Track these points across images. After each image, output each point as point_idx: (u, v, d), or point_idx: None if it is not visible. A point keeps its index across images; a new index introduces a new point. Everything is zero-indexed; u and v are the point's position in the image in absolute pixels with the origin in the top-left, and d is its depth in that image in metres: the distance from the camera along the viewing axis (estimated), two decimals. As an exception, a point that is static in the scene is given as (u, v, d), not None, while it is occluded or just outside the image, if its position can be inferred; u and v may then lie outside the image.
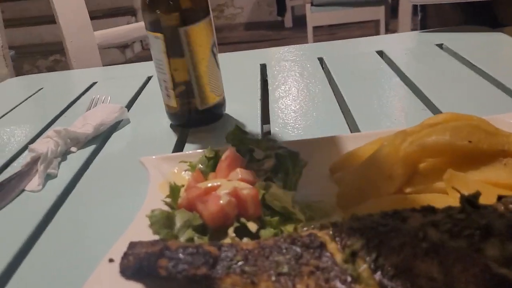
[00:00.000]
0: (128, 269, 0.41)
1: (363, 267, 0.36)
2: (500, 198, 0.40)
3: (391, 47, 1.13)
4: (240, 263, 0.39)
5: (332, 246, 0.39)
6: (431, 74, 0.95)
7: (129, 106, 0.96)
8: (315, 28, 4.11)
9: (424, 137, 0.52)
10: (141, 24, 2.16)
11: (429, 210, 0.40)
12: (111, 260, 0.42)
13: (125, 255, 0.42)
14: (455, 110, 0.63)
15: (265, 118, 0.85)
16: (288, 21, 5.94)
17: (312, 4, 3.90)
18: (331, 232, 0.40)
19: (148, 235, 0.46)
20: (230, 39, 5.67)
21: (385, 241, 0.37)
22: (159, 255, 0.41)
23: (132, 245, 0.43)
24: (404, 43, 1.22)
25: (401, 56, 1.07)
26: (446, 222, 0.38)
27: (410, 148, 0.51)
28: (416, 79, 0.92)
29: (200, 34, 0.70)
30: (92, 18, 1.70)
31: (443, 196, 0.47)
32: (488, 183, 0.49)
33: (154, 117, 0.88)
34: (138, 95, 1.03)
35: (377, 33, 4.11)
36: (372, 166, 0.52)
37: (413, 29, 3.98)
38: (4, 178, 0.68)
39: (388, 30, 4.11)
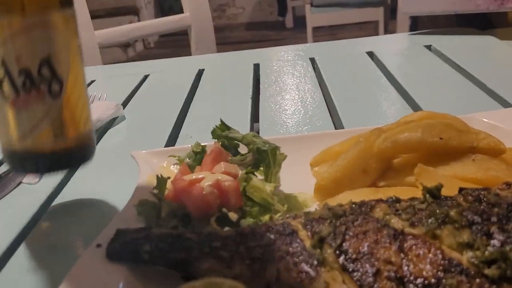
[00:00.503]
0: (114, 253, 0.44)
1: (328, 252, 0.39)
2: (461, 190, 0.43)
3: (381, 48, 1.16)
4: (217, 248, 0.42)
5: (303, 233, 0.42)
6: (417, 75, 0.99)
7: (125, 103, 0.99)
8: (316, 28, 4.14)
9: (398, 134, 0.54)
10: (142, 23, 2.20)
11: (395, 200, 0.43)
12: (98, 245, 0.45)
13: (112, 241, 0.45)
14: (437, 109, 0.66)
15: (257, 116, 0.88)
16: (289, 21, 5.98)
17: (312, 5, 3.93)
18: (303, 221, 0.43)
19: (135, 223, 0.49)
20: (231, 39, 5.70)
21: (351, 228, 0.40)
22: (142, 240, 0.44)
23: (118, 231, 0.46)
24: (394, 45, 1.25)
25: (390, 57, 1.10)
26: (408, 212, 0.41)
27: (383, 145, 0.54)
28: (403, 79, 0.95)
29: None
30: (95, 17, 1.73)
31: (412, 189, 0.50)
32: (457, 178, 0.52)
33: (149, 114, 0.91)
34: (135, 93, 1.06)
35: (376, 34, 4.14)
36: (348, 161, 0.54)
37: (412, 30, 4.01)
38: (3, 171, 0.71)
39: (387, 31, 4.13)
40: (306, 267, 0.38)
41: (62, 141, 0.52)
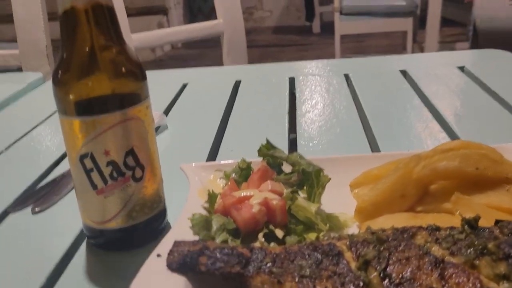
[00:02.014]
0: (173, 264, 0.48)
1: (373, 275, 0.42)
2: (497, 222, 0.46)
3: (414, 67, 1.19)
4: (268, 264, 0.46)
5: (348, 255, 0.46)
6: (450, 97, 1.01)
7: (166, 111, 1.04)
8: (344, 35, 4.16)
9: (436, 162, 0.58)
10: (176, 29, 2.25)
11: (434, 228, 0.47)
12: (158, 255, 0.49)
13: (171, 252, 0.49)
14: (469, 134, 0.69)
15: (292, 129, 0.92)
16: (316, 26, 6.00)
17: (341, 13, 3.95)
18: (348, 243, 0.47)
19: (189, 235, 0.53)
20: (258, 42, 5.75)
21: (394, 253, 0.44)
22: (199, 253, 0.48)
23: (176, 243, 0.50)
24: (426, 64, 1.27)
25: (423, 77, 1.12)
26: (448, 240, 0.44)
27: (422, 172, 0.57)
28: (436, 101, 0.97)
29: (69, 129, 0.54)
30: (125, 15, 1.77)
31: (449, 216, 0.53)
32: (491, 207, 0.55)
33: (190, 124, 0.95)
34: (175, 102, 1.10)
35: (404, 43, 4.14)
36: (388, 186, 0.58)
37: (440, 42, 4.01)
38: (58, 175, 0.76)
39: (415, 41, 4.14)
40: (352, 287, 0.42)
41: (143, 217, 0.57)
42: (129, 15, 1.78)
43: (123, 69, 0.53)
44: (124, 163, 0.54)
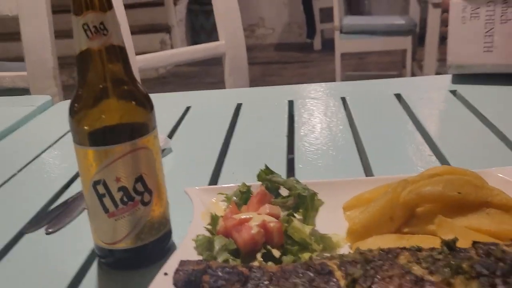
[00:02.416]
0: (180, 282, 0.52)
1: (360, 292, 0.47)
2: (474, 243, 0.51)
3: (408, 91, 1.24)
4: (266, 282, 0.51)
5: (338, 274, 0.50)
6: (441, 121, 1.06)
7: (170, 134, 1.09)
8: (345, 53, 4.22)
9: (421, 187, 0.62)
10: (179, 50, 2.31)
11: (416, 249, 0.51)
12: (165, 274, 0.54)
13: (177, 271, 0.53)
14: (458, 159, 0.74)
15: (290, 151, 0.97)
16: (317, 43, 6.08)
17: (341, 32, 4.02)
18: (338, 262, 0.51)
19: (193, 255, 0.57)
20: (260, 59, 5.83)
21: (379, 272, 0.48)
22: (203, 272, 0.52)
23: (182, 262, 0.54)
24: (420, 87, 1.32)
25: (416, 101, 1.17)
26: (428, 260, 0.49)
27: (408, 196, 0.62)
28: (428, 125, 1.02)
29: (83, 158, 0.59)
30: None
31: (432, 238, 0.58)
32: (472, 229, 0.59)
33: (193, 147, 1.00)
34: (179, 125, 1.15)
35: (403, 60, 4.21)
36: (377, 209, 0.63)
37: (439, 59, 4.07)
38: (69, 197, 0.80)
39: (414, 60, 4.20)
40: (341, 304, 0.47)
41: (150, 238, 0.62)
42: (132, 33, 1.83)
43: (133, 103, 0.58)
44: (133, 189, 0.59)
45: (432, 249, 0.51)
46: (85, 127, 0.57)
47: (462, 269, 0.46)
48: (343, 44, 4.07)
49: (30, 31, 1.88)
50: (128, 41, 1.81)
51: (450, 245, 0.50)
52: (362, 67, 5.11)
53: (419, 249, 0.51)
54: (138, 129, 0.59)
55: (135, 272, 0.62)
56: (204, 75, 5.02)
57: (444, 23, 1.27)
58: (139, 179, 0.59)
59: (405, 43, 3.99)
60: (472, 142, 0.94)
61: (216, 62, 2.09)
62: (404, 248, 0.52)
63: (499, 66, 1.20)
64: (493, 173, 0.70)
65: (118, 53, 0.57)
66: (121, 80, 0.58)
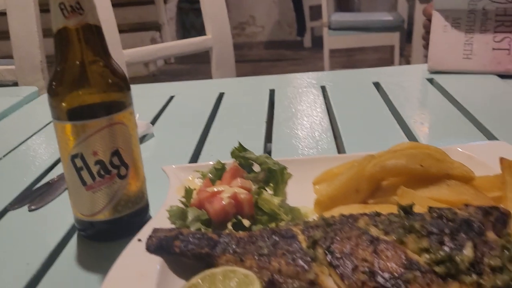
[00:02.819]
0: (152, 247, 0.55)
1: (320, 252, 0.50)
2: (429, 208, 0.54)
3: (387, 79, 1.28)
4: (233, 246, 0.54)
5: (301, 237, 0.53)
6: (416, 106, 1.09)
7: (153, 121, 1.12)
8: (334, 50, 4.26)
9: (385, 160, 0.65)
10: (167, 44, 2.34)
11: (375, 214, 0.54)
12: (139, 240, 0.57)
13: (150, 237, 0.56)
14: (428, 139, 0.77)
15: (270, 139, 1.00)
16: (307, 41, 6.12)
17: (329, 28, 4.06)
18: (302, 227, 0.55)
19: (167, 224, 0.60)
20: (250, 57, 5.86)
21: (338, 234, 0.51)
22: (175, 238, 0.55)
23: (155, 230, 0.57)
24: (398, 76, 1.36)
25: (394, 88, 1.21)
26: (385, 223, 0.52)
27: (373, 169, 0.65)
28: (402, 110, 1.06)
29: (61, 132, 0.61)
30: (119, 32, 1.85)
31: (394, 207, 0.61)
32: (433, 199, 0.63)
33: (175, 132, 1.03)
34: (162, 112, 1.18)
35: (391, 57, 4.25)
36: (343, 182, 0.66)
37: (426, 55, 4.11)
38: (52, 178, 0.83)
39: (402, 56, 4.24)
40: (301, 262, 0.50)
41: (128, 211, 0.65)
42: (122, 31, 1.85)
43: (109, 80, 0.61)
44: (110, 163, 0.62)
45: (390, 213, 0.54)
46: (63, 103, 0.60)
47: (414, 229, 0.49)
48: (332, 40, 4.11)
49: (18, 25, 1.90)
50: (115, 37, 1.84)
51: (406, 210, 0.53)
52: (351, 64, 5.15)
53: (378, 214, 0.54)
54: (114, 105, 0.62)
55: (113, 243, 0.65)
56: (194, 73, 5.04)
57: (427, 29, 1.31)
58: (116, 153, 0.62)
59: (393, 39, 4.04)
60: (444, 125, 0.97)
61: (206, 60, 2.12)
62: (364, 214, 0.55)
63: (477, 73, 1.24)
64: (456, 149, 0.73)
65: (94, 32, 0.60)
66: (97, 58, 0.60)
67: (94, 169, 0.61)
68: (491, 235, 0.48)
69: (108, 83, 0.61)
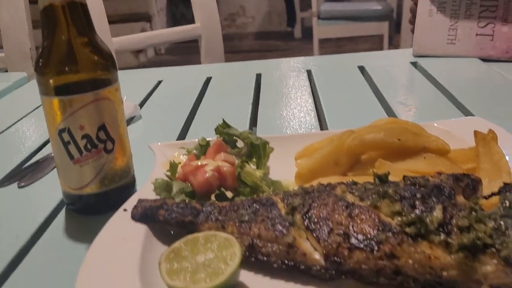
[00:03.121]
0: (137, 215, 0.57)
1: (298, 217, 0.52)
2: (404, 177, 0.56)
3: (371, 63, 1.30)
4: (216, 214, 0.56)
5: (281, 205, 0.55)
6: (399, 88, 1.12)
7: (141, 104, 1.13)
8: (324, 40, 4.28)
9: (364, 134, 0.68)
10: (156, 32, 2.35)
11: (352, 183, 0.57)
12: (125, 210, 0.59)
13: (135, 206, 0.58)
14: (409, 117, 0.79)
15: (255, 120, 1.02)
16: (297, 32, 6.12)
17: (319, 18, 4.07)
18: (281, 196, 0.57)
19: (152, 196, 0.62)
20: (240, 48, 5.85)
21: (316, 201, 0.53)
22: (159, 207, 0.57)
23: (140, 200, 0.59)
24: (384, 60, 1.38)
25: (378, 72, 1.23)
26: (360, 190, 0.54)
27: (352, 143, 0.67)
28: (386, 91, 1.08)
29: (49, 107, 0.63)
30: (109, 22, 1.86)
31: (371, 178, 0.63)
32: (410, 171, 0.65)
33: (162, 114, 1.05)
34: (150, 96, 1.20)
35: (381, 47, 4.28)
36: (323, 155, 0.68)
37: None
38: (42, 157, 0.85)
39: (391, 45, 4.27)
40: (280, 227, 0.52)
41: (114, 185, 0.66)
42: (113, 22, 1.86)
43: (95, 56, 0.63)
44: (96, 137, 0.63)
45: (367, 182, 0.56)
46: (50, 78, 0.61)
47: (388, 194, 0.51)
48: (321, 30, 4.13)
49: (8, 14, 1.90)
50: (104, 25, 1.84)
51: (381, 178, 0.56)
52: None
53: (355, 183, 0.57)
54: (100, 81, 0.63)
55: (100, 216, 0.66)
56: (184, 63, 5.02)
57: (413, 13, 1.33)
58: (102, 127, 0.63)
59: (382, 28, 4.07)
60: (425, 105, 0.99)
61: (196, 51, 2.12)
62: (341, 182, 0.57)
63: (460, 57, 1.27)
64: (432, 125, 0.76)
65: (80, 9, 0.61)
66: (83, 35, 0.62)
67: (81, 143, 0.63)
68: (460, 199, 0.51)
69: (94, 59, 0.63)
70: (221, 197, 0.63)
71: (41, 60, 0.62)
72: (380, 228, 0.48)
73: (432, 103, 1.00)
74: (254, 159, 0.70)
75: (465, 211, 0.48)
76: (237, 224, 0.54)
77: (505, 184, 0.51)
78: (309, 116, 0.98)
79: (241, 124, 0.94)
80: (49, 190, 0.75)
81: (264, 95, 1.14)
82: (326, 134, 0.76)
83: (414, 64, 1.27)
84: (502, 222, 0.45)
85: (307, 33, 5.55)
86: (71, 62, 0.62)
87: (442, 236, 0.46)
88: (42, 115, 0.64)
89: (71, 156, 0.64)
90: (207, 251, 0.49)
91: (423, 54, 1.30)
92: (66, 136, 0.63)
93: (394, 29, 4.36)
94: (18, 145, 0.96)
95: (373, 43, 4.98)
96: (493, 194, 0.51)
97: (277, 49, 5.79)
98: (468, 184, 0.53)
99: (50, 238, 0.64)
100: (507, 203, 0.47)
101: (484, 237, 0.44)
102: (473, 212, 0.48)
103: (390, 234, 0.47)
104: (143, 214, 0.57)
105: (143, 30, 5.56)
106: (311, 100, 1.07)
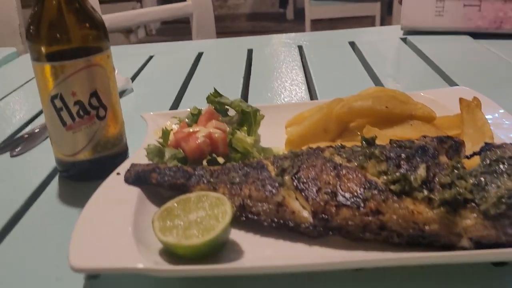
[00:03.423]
0: (130, 179, 0.59)
1: (287, 178, 0.54)
2: (390, 140, 0.58)
3: (362, 39, 1.31)
4: (207, 177, 0.57)
5: (271, 168, 0.57)
6: (388, 63, 1.13)
7: (133, 78, 1.14)
8: (316, 21, 4.27)
9: (352, 102, 0.69)
10: (146, 10, 2.34)
11: (341, 146, 0.58)
12: (118, 174, 0.60)
13: (128, 170, 0.60)
14: (398, 89, 0.80)
15: (247, 93, 1.03)
16: (289, 13, 6.09)
17: (311, -2, 4.06)
18: (272, 159, 0.58)
19: (145, 161, 0.63)
20: (232, 29, 5.82)
21: (305, 162, 0.55)
22: (152, 170, 0.59)
23: (133, 164, 0.60)
24: (374, 36, 1.39)
25: (368, 47, 1.24)
26: (348, 153, 0.55)
27: (341, 110, 0.69)
28: (375, 66, 1.09)
29: (41, 74, 0.64)
30: (99, 2, 1.86)
31: (358, 143, 0.65)
32: (396, 137, 0.66)
33: (154, 88, 1.05)
34: (141, 70, 1.20)
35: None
36: (313, 122, 0.69)
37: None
38: (32, 128, 0.85)
39: (383, 26, 4.27)
40: (270, 187, 0.53)
41: (107, 152, 0.68)
42: (102, 1, 1.85)
43: (86, 22, 0.63)
44: (89, 103, 0.64)
45: (355, 145, 0.58)
46: (42, 44, 0.62)
47: (374, 155, 0.53)
48: (313, 11, 4.12)
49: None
50: (95, 3, 1.84)
51: (369, 141, 0.57)
52: (333, 35, 5.15)
53: (343, 146, 0.58)
54: (92, 47, 0.64)
55: (93, 183, 0.68)
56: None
57: None
58: (94, 94, 0.64)
59: (374, 9, 4.06)
60: (413, 78, 1.01)
61: (187, 31, 2.12)
62: (330, 146, 0.59)
63: (448, 30, 1.27)
64: (419, 94, 0.77)
65: (71, -25, 0.62)
66: (74, 2, 0.62)
67: (74, 109, 0.64)
68: (443, 159, 0.52)
69: (85, 25, 0.64)
70: (212, 162, 0.64)
71: (31, 24, 0.63)
72: (366, 186, 0.50)
73: (420, 76, 1.02)
74: (245, 127, 0.71)
75: (447, 169, 0.50)
76: (228, 185, 0.55)
77: (486, 144, 0.53)
78: (299, 89, 0.99)
79: (232, 97, 0.95)
80: (41, 159, 0.76)
81: (256, 69, 1.15)
82: (316, 104, 0.77)
83: (404, 40, 1.28)
84: (482, 178, 0.47)
85: (299, 14, 5.53)
86: (62, 28, 0.62)
87: (425, 193, 0.48)
88: (32, 89, 0.65)
89: (63, 123, 0.64)
90: (199, 210, 0.51)
91: (412, 28, 1.30)
92: (58, 103, 0.64)
93: (386, 10, 4.36)
94: (9, 118, 0.97)
95: (365, 24, 4.96)
96: (474, 153, 0.53)
97: (269, 30, 5.76)
98: (452, 145, 0.55)
99: (44, 204, 0.65)
100: (488, 161, 0.49)
101: (464, 193, 0.46)
102: (455, 170, 0.50)
103: (375, 191, 0.49)
104: (136, 177, 0.59)
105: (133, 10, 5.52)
106: (302, 74, 1.08)
